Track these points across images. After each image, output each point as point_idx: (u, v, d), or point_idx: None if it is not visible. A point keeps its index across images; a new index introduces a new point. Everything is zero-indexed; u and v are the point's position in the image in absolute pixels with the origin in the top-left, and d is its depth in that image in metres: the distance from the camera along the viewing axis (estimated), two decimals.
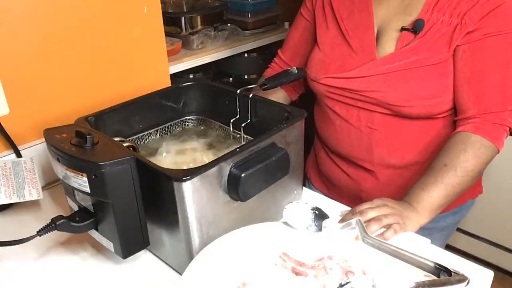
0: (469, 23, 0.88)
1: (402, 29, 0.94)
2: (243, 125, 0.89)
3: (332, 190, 1.17)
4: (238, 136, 0.91)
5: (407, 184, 0.96)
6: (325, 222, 0.70)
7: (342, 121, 1.03)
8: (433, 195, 0.84)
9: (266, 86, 0.89)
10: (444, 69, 0.92)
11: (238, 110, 0.89)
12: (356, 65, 0.97)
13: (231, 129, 0.91)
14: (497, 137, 0.89)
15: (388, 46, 0.96)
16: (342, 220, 0.81)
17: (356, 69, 0.97)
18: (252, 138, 0.89)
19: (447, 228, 1.10)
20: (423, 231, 0.82)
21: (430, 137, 0.99)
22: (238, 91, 0.88)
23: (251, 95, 0.86)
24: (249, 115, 0.88)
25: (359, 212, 0.80)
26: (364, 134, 1.01)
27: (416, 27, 0.92)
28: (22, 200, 0.81)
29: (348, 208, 0.87)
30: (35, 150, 0.95)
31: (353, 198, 1.10)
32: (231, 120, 0.90)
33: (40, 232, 0.69)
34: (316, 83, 1.04)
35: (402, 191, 0.93)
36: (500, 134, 0.90)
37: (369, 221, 0.78)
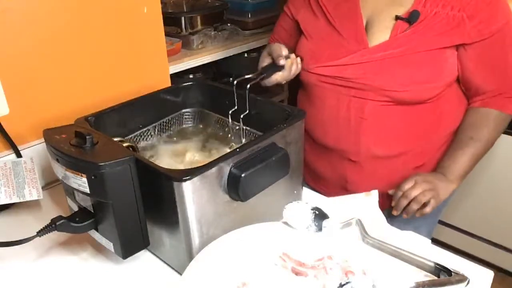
0: (471, 20, 0.92)
1: (397, 18, 0.96)
2: (242, 116, 0.87)
3: (318, 182, 1.18)
4: (237, 128, 0.90)
5: (391, 174, 1.06)
6: (325, 222, 0.70)
7: (332, 111, 1.05)
8: (463, 165, 1.00)
9: (263, 75, 0.89)
10: (438, 56, 0.95)
11: (235, 101, 0.88)
12: (348, 53, 0.99)
13: (230, 121, 0.90)
14: None
15: (382, 34, 0.98)
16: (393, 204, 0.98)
17: (349, 56, 0.99)
18: (252, 131, 0.88)
19: (430, 216, 1.11)
20: (408, 225, 0.97)
21: (414, 125, 1.03)
22: (235, 82, 0.87)
23: (248, 86, 0.85)
24: (247, 106, 0.86)
25: (404, 195, 0.96)
26: (352, 123, 1.03)
27: (411, 18, 0.95)
28: (22, 200, 0.81)
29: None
30: (35, 150, 0.95)
31: (339, 190, 1.12)
32: (230, 112, 0.89)
33: (40, 233, 0.69)
34: (307, 73, 1.04)
35: (386, 181, 1.05)
36: None
37: (409, 203, 0.95)
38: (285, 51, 0.93)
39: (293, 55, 0.94)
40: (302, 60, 0.97)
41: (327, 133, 1.07)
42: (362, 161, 1.06)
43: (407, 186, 0.97)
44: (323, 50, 1.03)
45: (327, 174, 1.14)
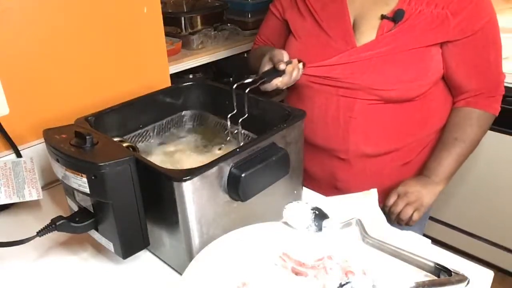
0: (455, 17, 0.94)
1: (382, 17, 0.98)
2: (240, 120, 0.87)
3: (308, 181, 1.18)
4: (236, 131, 0.90)
5: (379, 171, 1.08)
6: (325, 222, 0.70)
7: (320, 111, 1.06)
8: (448, 167, 1.02)
9: (263, 80, 0.89)
10: (424, 54, 0.97)
11: (234, 105, 0.87)
12: (336, 53, 1.01)
13: (229, 124, 0.90)
14: (495, 107, 1.04)
15: (369, 34, 1.00)
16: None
17: (337, 56, 1.01)
18: (251, 134, 0.88)
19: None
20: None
21: (402, 123, 1.05)
22: (234, 87, 0.86)
23: (247, 90, 0.85)
24: (246, 110, 0.86)
25: (390, 211, 1.02)
26: (341, 123, 1.04)
27: (396, 17, 0.96)
28: (22, 200, 0.81)
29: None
30: (35, 150, 0.95)
31: (329, 188, 1.13)
32: (228, 116, 0.89)
33: (40, 233, 0.69)
34: None
35: (375, 178, 1.07)
36: (497, 103, 1.04)
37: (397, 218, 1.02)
38: (286, 57, 0.94)
39: (295, 61, 0.94)
40: (304, 65, 0.97)
41: (316, 133, 1.08)
42: (351, 159, 1.07)
43: (391, 201, 1.03)
44: (311, 50, 1.05)
45: (317, 173, 1.15)
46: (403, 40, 0.96)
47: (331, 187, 1.13)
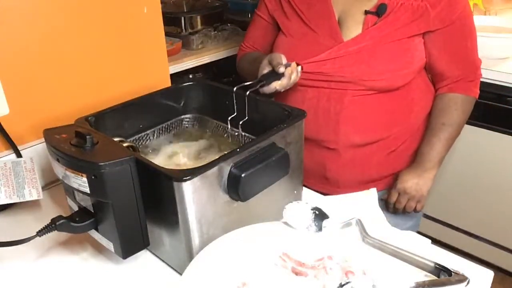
0: (433, 9, 0.99)
1: (366, 12, 1.03)
2: (240, 122, 0.87)
3: None
4: (236, 134, 0.90)
5: (366, 160, 1.12)
6: (325, 222, 0.70)
7: (311, 103, 1.08)
8: (439, 151, 1.09)
9: (263, 83, 0.90)
10: (408, 45, 1.03)
11: (235, 107, 0.88)
12: (325, 49, 1.04)
13: (229, 127, 0.90)
14: (475, 91, 1.10)
15: (354, 29, 1.04)
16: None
17: (326, 52, 1.04)
18: (251, 136, 0.89)
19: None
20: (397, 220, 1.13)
21: (389, 112, 1.09)
22: (235, 89, 0.87)
23: (247, 93, 0.86)
24: (246, 112, 0.87)
25: (394, 209, 1.13)
26: (332, 114, 1.07)
27: (379, 11, 1.02)
28: (22, 200, 0.81)
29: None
30: (35, 150, 0.95)
31: (319, 179, 1.15)
32: (229, 118, 0.89)
33: (40, 233, 0.69)
34: None
35: (363, 167, 1.12)
36: (476, 87, 1.10)
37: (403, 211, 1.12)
38: (284, 60, 0.96)
39: (293, 64, 0.96)
40: (302, 68, 0.99)
41: (307, 126, 1.08)
42: (340, 149, 1.10)
43: (393, 199, 1.12)
44: (301, 48, 1.07)
45: (306, 164, 1.15)
46: (388, 33, 1.01)
47: (320, 177, 1.15)
